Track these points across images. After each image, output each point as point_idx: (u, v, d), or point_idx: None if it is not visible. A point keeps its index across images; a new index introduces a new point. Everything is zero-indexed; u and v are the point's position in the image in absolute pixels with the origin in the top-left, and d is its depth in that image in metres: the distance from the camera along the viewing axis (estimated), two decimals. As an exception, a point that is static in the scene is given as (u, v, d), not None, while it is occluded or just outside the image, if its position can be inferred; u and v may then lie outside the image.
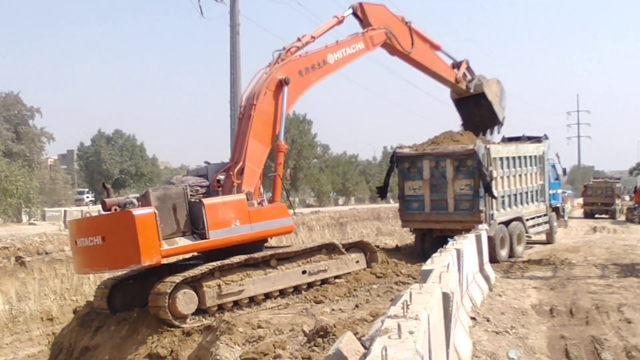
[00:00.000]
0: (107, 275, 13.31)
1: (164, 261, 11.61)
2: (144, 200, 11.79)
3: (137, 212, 11.06)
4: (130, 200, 11.98)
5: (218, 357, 9.54)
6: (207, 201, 12.27)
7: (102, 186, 42.04)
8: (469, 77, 19.41)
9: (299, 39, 14.49)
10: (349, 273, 14.52)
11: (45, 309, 22.21)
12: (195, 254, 13.33)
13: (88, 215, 12.67)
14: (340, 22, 15.46)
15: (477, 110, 19.71)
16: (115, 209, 11.76)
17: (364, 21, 16.15)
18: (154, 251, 11.01)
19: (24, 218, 35.02)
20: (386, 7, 16.92)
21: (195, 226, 12.18)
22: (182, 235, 11.96)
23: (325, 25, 15.18)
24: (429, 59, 18.17)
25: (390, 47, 16.80)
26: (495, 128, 21.13)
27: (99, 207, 23.10)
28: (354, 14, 16.09)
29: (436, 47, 18.99)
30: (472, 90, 19.03)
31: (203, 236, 12.02)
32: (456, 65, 19.78)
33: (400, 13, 17.55)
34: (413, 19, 17.09)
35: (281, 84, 13.55)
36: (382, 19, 16.37)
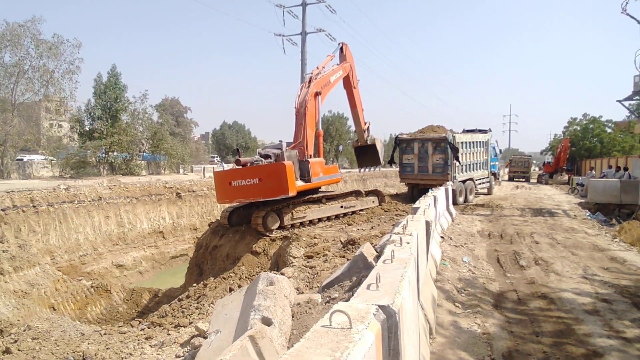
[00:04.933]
0: (226, 206, 13.41)
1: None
2: (278, 157, 11.59)
3: (286, 163, 10.93)
4: (256, 159, 11.74)
5: (291, 254, 9.67)
6: (311, 160, 12.44)
7: (234, 151, 42.24)
8: (367, 133, 17.69)
9: (317, 67, 14.33)
10: (368, 208, 14.45)
11: (192, 223, 22.90)
12: None
13: (230, 168, 12.20)
14: (332, 57, 15.27)
15: (368, 155, 17.98)
16: (270, 162, 11.43)
17: (343, 53, 15.71)
18: (294, 186, 10.99)
19: (181, 170, 35.79)
20: (351, 54, 16.18)
21: (302, 174, 12.24)
22: (298, 179, 11.96)
23: (327, 59, 14.96)
24: (360, 102, 16.89)
25: (346, 79, 15.90)
26: (377, 167, 19.16)
27: (224, 165, 23.48)
28: (340, 49, 15.69)
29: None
30: (369, 142, 17.57)
31: (308, 180, 12.19)
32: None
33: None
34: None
35: (316, 94, 13.38)
36: (350, 58, 15.91)
